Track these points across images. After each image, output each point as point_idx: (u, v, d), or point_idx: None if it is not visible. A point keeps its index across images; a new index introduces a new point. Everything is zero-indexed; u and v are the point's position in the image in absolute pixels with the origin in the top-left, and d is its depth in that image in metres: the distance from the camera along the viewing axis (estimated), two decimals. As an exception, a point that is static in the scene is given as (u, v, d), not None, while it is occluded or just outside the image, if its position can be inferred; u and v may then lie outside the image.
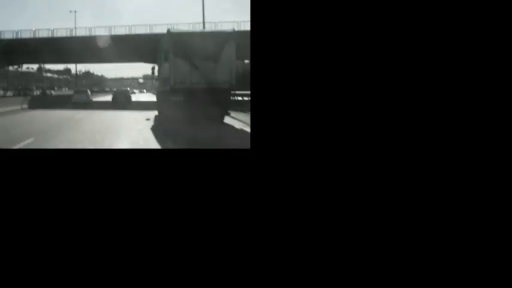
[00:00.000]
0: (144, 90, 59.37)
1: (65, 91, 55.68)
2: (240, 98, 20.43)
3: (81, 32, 38.50)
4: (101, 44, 34.46)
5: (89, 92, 31.94)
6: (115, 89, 40.62)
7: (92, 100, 30.37)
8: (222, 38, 14.35)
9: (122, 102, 27.09)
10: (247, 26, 31.33)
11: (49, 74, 64.11)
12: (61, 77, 53.98)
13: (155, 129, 12.78)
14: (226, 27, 27.25)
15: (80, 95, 28.80)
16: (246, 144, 4.43)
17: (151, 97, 36.35)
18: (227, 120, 14.68)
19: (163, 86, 16.27)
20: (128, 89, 37.39)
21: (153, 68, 20.34)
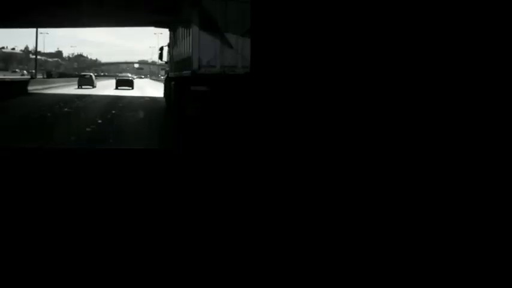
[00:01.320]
0: (142, 76, 55.33)
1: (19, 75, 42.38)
2: None
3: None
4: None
5: (93, 76, 30.73)
6: (106, 74, 38.37)
7: (95, 85, 28.72)
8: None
9: (125, 86, 27.47)
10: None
11: (37, 56, 59.58)
12: (49, 59, 49.44)
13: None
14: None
15: (85, 79, 29.13)
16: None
17: (155, 87, 30.77)
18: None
19: (180, 70, 12.12)
20: (129, 75, 35.82)
21: (161, 49, 15.97)
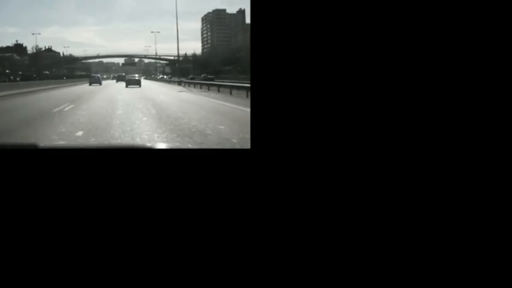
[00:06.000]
0: (136, 75, 42.68)
1: None
2: None
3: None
4: None
5: (99, 77, 36.25)
6: (114, 75, 36.49)
7: (101, 83, 33.55)
8: None
9: (133, 84, 29.36)
10: None
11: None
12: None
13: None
14: None
15: (94, 78, 34.96)
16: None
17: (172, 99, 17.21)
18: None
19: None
20: (136, 75, 34.78)
21: None
